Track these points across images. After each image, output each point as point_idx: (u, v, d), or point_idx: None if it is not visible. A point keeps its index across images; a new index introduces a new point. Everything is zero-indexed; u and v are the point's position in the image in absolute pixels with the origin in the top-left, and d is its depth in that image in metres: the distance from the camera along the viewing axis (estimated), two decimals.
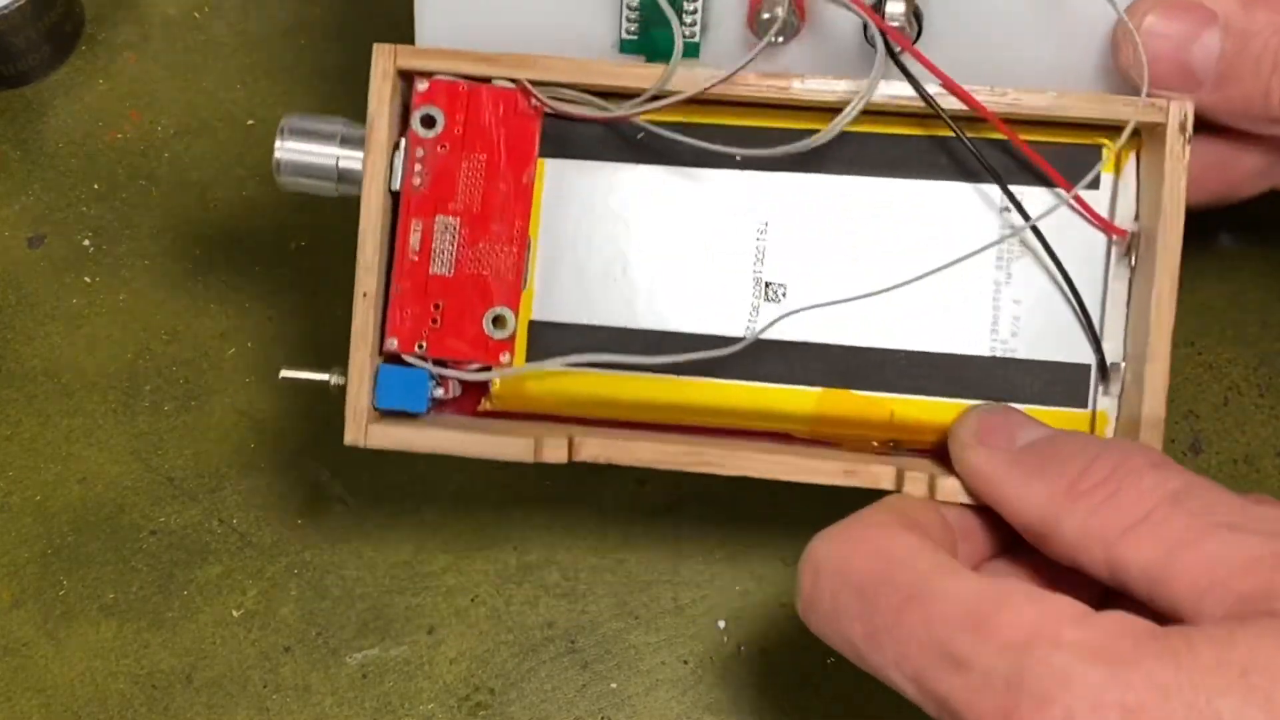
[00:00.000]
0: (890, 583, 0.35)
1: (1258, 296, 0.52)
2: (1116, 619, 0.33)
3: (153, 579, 0.50)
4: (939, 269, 0.40)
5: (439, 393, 0.41)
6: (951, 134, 0.40)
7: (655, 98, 0.40)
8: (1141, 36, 0.39)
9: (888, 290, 0.40)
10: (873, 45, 0.39)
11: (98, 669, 0.49)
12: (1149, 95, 0.40)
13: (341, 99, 0.58)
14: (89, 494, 0.52)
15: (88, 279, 0.55)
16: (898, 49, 0.39)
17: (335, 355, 0.54)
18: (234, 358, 0.54)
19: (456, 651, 0.49)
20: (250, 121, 0.58)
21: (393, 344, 0.41)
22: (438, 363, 0.41)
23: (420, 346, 0.41)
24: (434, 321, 0.41)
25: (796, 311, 0.40)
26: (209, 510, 0.51)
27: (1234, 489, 0.49)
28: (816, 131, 0.40)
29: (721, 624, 0.49)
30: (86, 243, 0.56)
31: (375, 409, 0.41)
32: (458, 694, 0.49)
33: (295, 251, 0.55)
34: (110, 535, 0.51)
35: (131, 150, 0.57)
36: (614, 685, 0.49)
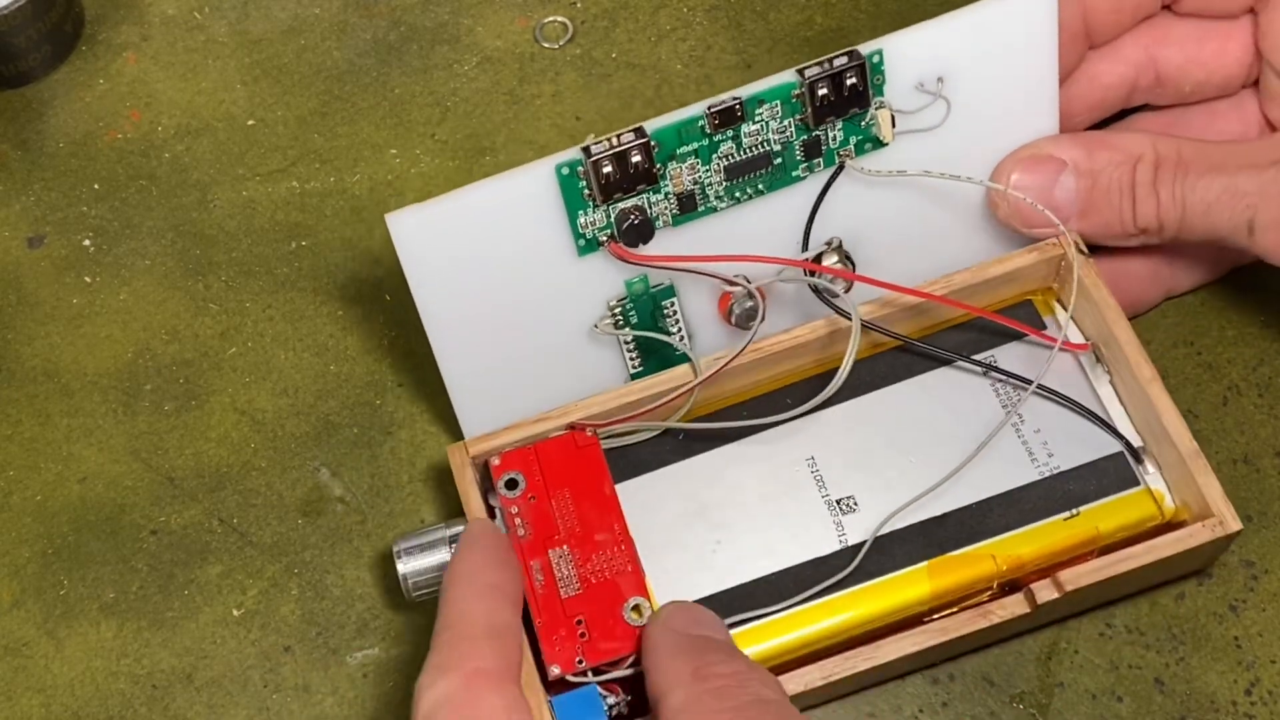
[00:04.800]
0: None
1: (1257, 296, 0.52)
2: None
3: (153, 579, 0.50)
4: (974, 454, 0.46)
5: (611, 700, 0.44)
6: (920, 338, 0.48)
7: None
8: (1011, 191, 0.48)
9: (948, 479, 0.46)
10: (823, 299, 0.47)
11: (98, 669, 0.49)
12: (1030, 234, 0.48)
13: (341, 99, 0.58)
14: (89, 494, 0.52)
15: (88, 279, 0.55)
16: (847, 289, 0.48)
17: (338, 355, 0.54)
18: (234, 358, 0.54)
19: None
20: (250, 121, 0.58)
21: (555, 671, 0.44)
22: (598, 670, 0.44)
23: (580, 662, 0.44)
24: (582, 635, 0.44)
25: (896, 514, 0.46)
26: (209, 510, 0.51)
27: (1233, 489, 0.49)
28: (813, 378, 0.48)
29: None
30: (86, 243, 0.56)
31: None
32: None
33: (295, 251, 0.55)
34: (110, 535, 0.51)
35: (131, 150, 0.58)
36: None
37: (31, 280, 0.55)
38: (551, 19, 0.59)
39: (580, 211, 0.46)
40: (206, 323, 0.54)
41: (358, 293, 0.55)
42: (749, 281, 0.47)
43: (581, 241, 0.46)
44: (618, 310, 0.48)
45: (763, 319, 0.47)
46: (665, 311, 0.48)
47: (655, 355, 0.49)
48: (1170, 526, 0.46)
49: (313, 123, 0.58)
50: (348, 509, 0.51)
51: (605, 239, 0.46)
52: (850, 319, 0.46)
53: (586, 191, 0.45)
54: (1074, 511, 0.46)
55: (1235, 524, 0.44)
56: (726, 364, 0.46)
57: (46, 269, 0.55)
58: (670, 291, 0.48)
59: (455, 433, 0.52)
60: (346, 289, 0.55)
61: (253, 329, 0.54)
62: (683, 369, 0.48)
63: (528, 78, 0.58)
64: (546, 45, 0.59)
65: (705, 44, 0.58)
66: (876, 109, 0.47)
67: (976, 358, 0.48)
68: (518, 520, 0.46)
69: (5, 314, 0.55)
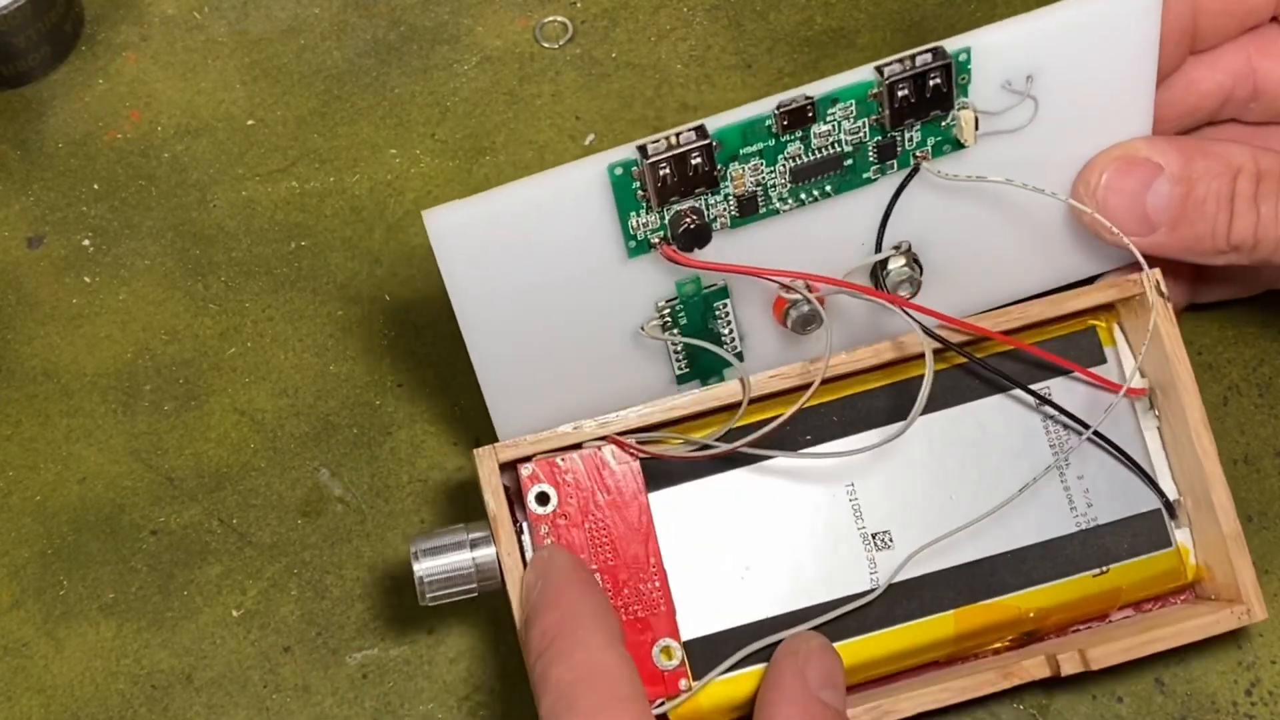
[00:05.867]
0: None
1: (1257, 297, 0.52)
2: None
3: (153, 579, 0.50)
4: (1022, 490, 0.44)
5: None
6: (968, 360, 0.45)
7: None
8: (1100, 192, 0.45)
9: (983, 518, 0.44)
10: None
11: (98, 669, 0.49)
12: (1113, 242, 0.45)
13: (341, 99, 0.58)
14: (89, 494, 0.52)
15: (88, 279, 0.55)
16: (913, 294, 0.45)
17: (338, 355, 0.54)
18: (234, 358, 0.54)
19: (456, 651, 0.49)
20: (250, 121, 0.58)
21: None
22: None
23: None
24: None
25: (917, 553, 0.44)
26: (209, 510, 0.51)
27: (1234, 489, 0.49)
28: (864, 393, 0.46)
29: None
30: (86, 243, 0.56)
31: None
32: (458, 694, 0.49)
33: (295, 251, 0.55)
34: (110, 535, 0.51)
35: (131, 150, 0.58)
36: None
37: (31, 280, 0.55)
38: (551, 19, 0.59)
39: (632, 213, 0.43)
40: (206, 323, 0.54)
41: (358, 293, 0.55)
42: (808, 289, 0.44)
43: (632, 243, 0.43)
44: (666, 311, 0.45)
45: (820, 324, 0.44)
46: (717, 313, 0.46)
47: (703, 358, 0.46)
48: (1189, 586, 0.46)
49: (312, 123, 0.58)
50: (347, 509, 0.51)
51: (657, 241, 0.43)
52: (917, 334, 0.44)
53: (640, 193, 0.42)
54: (1104, 569, 0.45)
55: (1263, 613, 0.44)
56: (787, 417, 0.43)
57: (46, 269, 0.55)
58: (724, 293, 0.45)
59: (456, 433, 0.52)
60: (346, 289, 0.55)
61: (253, 329, 0.54)
62: (734, 386, 0.45)
63: (527, 78, 0.58)
64: (546, 45, 0.59)
65: (705, 44, 0.58)
66: (959, 110, 0.44)
67: (1033, 387, 0.46)
68: (548, 540, 0.44)
69: (5, 314, 0.55)
